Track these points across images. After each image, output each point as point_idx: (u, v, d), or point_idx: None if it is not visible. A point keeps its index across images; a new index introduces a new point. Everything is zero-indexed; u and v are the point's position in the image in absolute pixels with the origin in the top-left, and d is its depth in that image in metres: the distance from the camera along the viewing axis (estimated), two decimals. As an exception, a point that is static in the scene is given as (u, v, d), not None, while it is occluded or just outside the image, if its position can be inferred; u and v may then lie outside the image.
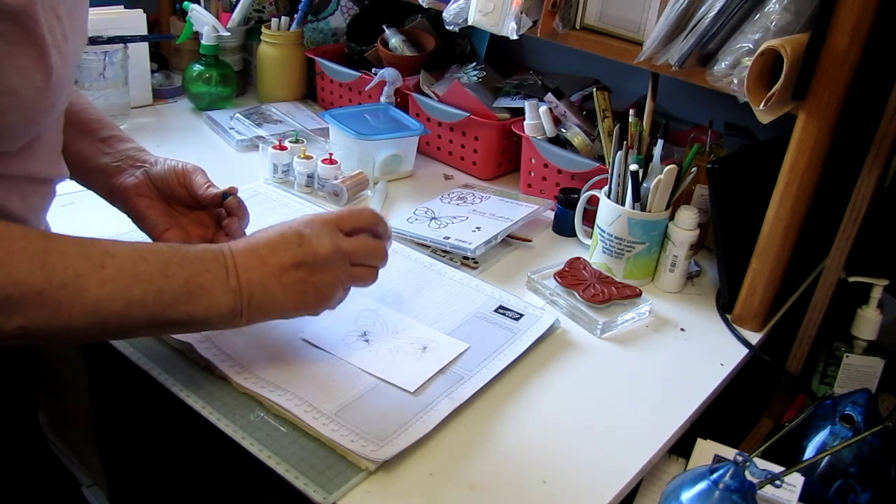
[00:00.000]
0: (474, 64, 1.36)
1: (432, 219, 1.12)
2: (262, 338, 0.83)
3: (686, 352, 0.93)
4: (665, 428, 0.80)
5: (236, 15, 1.50)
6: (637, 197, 0.99)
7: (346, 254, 0.75)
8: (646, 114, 1.03)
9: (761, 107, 0.82)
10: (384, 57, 1.38)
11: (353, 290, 0.78)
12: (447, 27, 1.07)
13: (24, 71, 0.57)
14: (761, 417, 1.01)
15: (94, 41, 1.29)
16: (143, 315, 0.65)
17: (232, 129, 1.37)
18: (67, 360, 1.20)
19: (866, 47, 0.83)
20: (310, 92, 1.55)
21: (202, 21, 1.42)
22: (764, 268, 0.94)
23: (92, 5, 0.73)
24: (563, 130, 1.18)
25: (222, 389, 0.78)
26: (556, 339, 0.92)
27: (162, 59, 1.58)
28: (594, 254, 1.06)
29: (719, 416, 0.91)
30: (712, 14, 0.85)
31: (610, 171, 1.03)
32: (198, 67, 1.44)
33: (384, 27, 1.40)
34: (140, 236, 0.87)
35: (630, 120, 1.03)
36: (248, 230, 0.87)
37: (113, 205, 0.86)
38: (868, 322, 0.98)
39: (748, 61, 0.82)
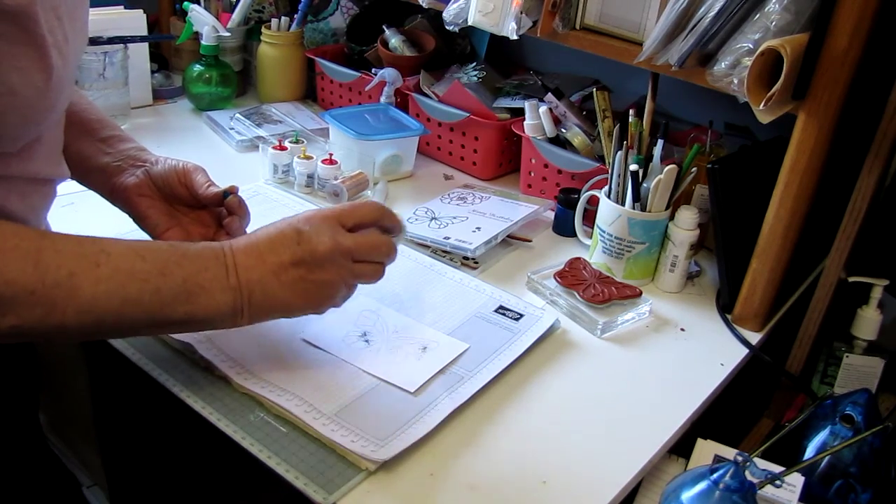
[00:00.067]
0: (474, 64, 1.36)
1: (432, 219, 1.12)
2: (262, 338, 0.83)
3: (686, 352, 0.93)
4: (665, 428, 0.80)
5: (236, 15, 1.50)
6: (637, 197, 0.99)
7: (346, 250, 0.73)
8: (646, 114, 1.03)
9: (761, 107, 0.82)
10: (384, 57, 1.38)
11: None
12: (447, 27, 1.07)
13: (24, 71, 0.57)
14: (761, 417, 1.01)
15: (94, 41, 1.29)
16: (139, 314, 0.64)
17: (232, 129, 1.37)
18: (68, 360, 1.20)
19: (866, 47, 0.83)
20: (310, 92, 1.55)
21: (202, 21, 1.42)
22: (764, 268, 0.94)
23: (92, 5, 0.73)
24: (563, 130, 1.18)
25: (222, 390, 0.78)
26: (556, 340, 0.92)
27: (162, 59, 1.58)
28: (594, 254, 1.06)
29: (719, 416, 0.91)
30: (712, 14, 0.85)
31: (610, 171, 1.03)
32: (198, 68, 1.44)
33: (384, 27, 1.41)
34: (141, 236, 0.87)
35: (630, 120, 1.03)
36: (249, 230, 0.88)
37: (114, 204, 0.86)
38: (868, 322, 0.98)
39: (748, 61, 0.82)
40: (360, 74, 1.41)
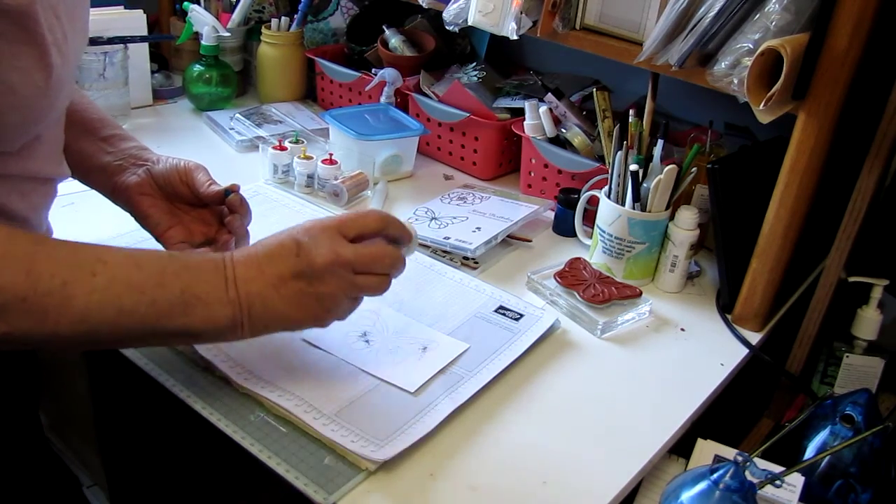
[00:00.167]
0: (474, 64, 1.36)
1: (432, 219, 1.12)
2: (262, 339, 0.82)
3: (686, 352, 0.93)
4: (665, 428, 0.80)
5: (236, 15, 1.50)
6: (637, 197, 0.99)
7: (346, 262, 0.70)
8: (646, 114, 1.03)
9: (761, 107, 0.82)
10: (384, 57, 1.38)
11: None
12: (447, 27, 1.07)
13: (24, 70, 0.57)
14: (761, 417, 1.01)
15: (94, 41, 1.29)
16: (135, 325, 0.62)
17: (232, 129, 1.37)
18: (68, 361, 1.20)
19: (866, 47, 0.83)
20: (310, 92, 1.55)
21: (202, 21, 1.42)
22: (764, 268, 0.94)
23: (92, 5, 0.73)
24: (563, 130, 1.18)
25: (222, 390, 0.78)
26: (556, 340, 0.92)
27: (162, 59, 1.58)
28: (594, 254, 1.06)
29: (719, 416, 0.91)
30: (712, 14, 0.85)
31: (610, 171, 1.03)
32: (198, 68, 1.44)
33: (384, 27, 1.41)
34: (142, 235, 0.87)
35: (630, 120, 1.03)
36: (249, 229, 0.88)
37: (115, 203, 0.86)
38: (868, 322, 0.98)
39: (748, 61, 0.82)
40: (360, 74, 1.41)
